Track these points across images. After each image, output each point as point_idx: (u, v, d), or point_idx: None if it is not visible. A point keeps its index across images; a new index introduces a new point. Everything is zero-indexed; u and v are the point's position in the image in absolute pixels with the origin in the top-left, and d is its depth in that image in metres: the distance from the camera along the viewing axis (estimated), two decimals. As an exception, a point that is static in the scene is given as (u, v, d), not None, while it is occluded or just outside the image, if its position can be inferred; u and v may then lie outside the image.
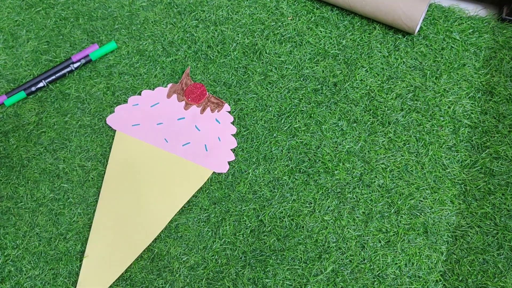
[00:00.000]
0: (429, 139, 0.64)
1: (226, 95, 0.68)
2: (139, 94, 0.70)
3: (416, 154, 0.63)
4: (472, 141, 0.63)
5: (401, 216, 0.61)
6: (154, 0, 0.75)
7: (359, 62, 0.68)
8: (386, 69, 0.67)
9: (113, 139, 0.67)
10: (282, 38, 0.71)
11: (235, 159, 0.65)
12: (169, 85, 0.69)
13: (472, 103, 0.65)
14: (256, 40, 0.71)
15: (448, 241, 0.59)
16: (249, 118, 0.67)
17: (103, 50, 0.70)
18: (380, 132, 0.64)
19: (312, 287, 0.59)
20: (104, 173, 0.66)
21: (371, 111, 0.66)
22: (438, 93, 0.65)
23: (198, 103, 0.68)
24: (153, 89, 0.70)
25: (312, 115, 0.66)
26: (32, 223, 0.65)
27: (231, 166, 0.65)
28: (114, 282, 0.61)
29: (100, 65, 0.72)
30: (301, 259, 0.60)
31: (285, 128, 0.66)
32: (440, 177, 0.62)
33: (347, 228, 0.61)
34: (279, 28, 0.71)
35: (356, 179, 0.63)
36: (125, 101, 0.69)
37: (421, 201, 0.61)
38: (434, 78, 0.66)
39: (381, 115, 0.65)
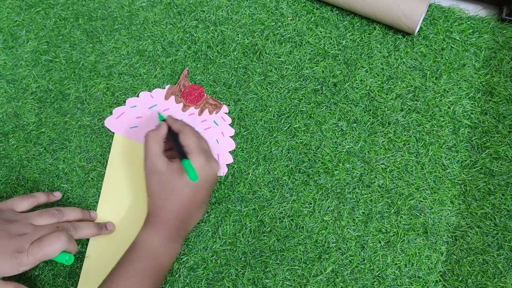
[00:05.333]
0: (429, 139, 0.63)
1: (226, 96, 0.68)
2: (137, 96, 0.69)
3: (416, 155, 0.63)
4: (472, 141, 0.63)
5: (401, 217, 0.61)
6: (154, 0, 0.75)
7: (359, 62, 0.68)
8: (386, 70, 0.67)
9: (112, 139, 0.67)
10: (282, 38, 0.71)
11: (235, 160, 0.65)
12: (167, 86, 0.69)
13: (472, 103, 0.65)
14: (256, 40, 0.71)
15: (448, 242, 0.59)
16: (249, 118, 0.67)
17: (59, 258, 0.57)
18: (380, 132, 0.64)
19: (312, 287, 0.59)
20: (104, 174, 0.66)
21: (371, 111, 0.66)
22: (438, 93, 0.65)
23: (196, 105, 0.68)
24: (152, 90, 0.70)
25: (312, 115, 0.66)
26: (32, 223, 0.64)
27: (231, 166, 0.65)
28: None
29: (99, 65, 0.72)
30: (301, 260, 0.60)
31: (285, 129, 0.66)
32: (440, 177, 0.62)
33: (347, 228, 0.61)
34: (279, 28, 0.71)
35: (356, 179, 0.63)
36: (124, 102, 0.69)
37: (421, 201, 0.61)
38: (434, 78, 0.66)
39: (381, 115, 0.65)
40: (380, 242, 0.60)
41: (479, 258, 0.58)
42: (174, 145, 0.59)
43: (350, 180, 0.63)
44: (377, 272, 0.59)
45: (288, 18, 0.72)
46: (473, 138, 0.63)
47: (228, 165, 0.65)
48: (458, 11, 0.69)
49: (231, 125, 0.67)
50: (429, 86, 0.66)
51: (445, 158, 0.63)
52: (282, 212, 0.62)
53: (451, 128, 0.64)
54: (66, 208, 0.61)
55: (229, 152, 0.65)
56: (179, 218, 0.57)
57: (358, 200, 0.62)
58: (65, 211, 0.60)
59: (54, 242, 0.54)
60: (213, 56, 0.71)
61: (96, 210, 0.65)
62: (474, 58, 0.66)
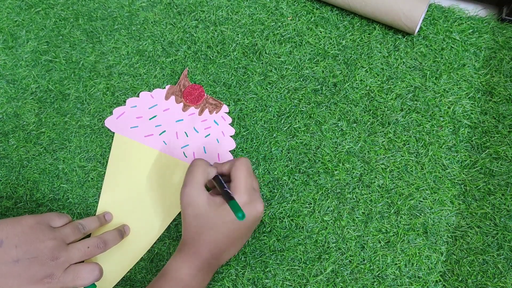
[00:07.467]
0: (429, 140, 0.63)
1: (226, 96, 0.68)
2: (137, 96, 0.69)
3: (416, 155, 0.63)
4: (472, 141, 0.63)
5: (401, 217, 0.61)
6: (154, 0, 0.75)
7: (359, 62, 0.68)
8: (386, 70, 0.67)
9: (112, 139, 0.67)
10: (282, 38, 0.71)
11: (235, 159, 0.65)
12: (167, 86, 0.69)
13: (472, 104, 0.65)
14: (256, 41, 0.71)
15: (448, 242, 0.59)
16: (249, 118, 0.67)
17: None
18: (380, 132, 0.64)
19: (312, 287, 0.59)
20: (104, 174, 0.66)
21: (371, 111, 0.66)
22: (438, 93, 0.65)
23: (196, 105, 0.68)
24: (152, 90, 0.70)
25: (312, 115, 0.66)
26: (32, 223, 0.64)
27: (231, 166, 0.65)
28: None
29: (99, 66, 0.72)
30: (301, 260, 0.60)
31: (285, 129, 0.66)
32: (440, 177, 0.62)
33: (347, 228, 0.61)
34: (279, 29, 0.71)
35: (356, 179, 0.63)
36: (124, 102, 0.69)
37: (421, 201, 0.61)
38: (434, 78, 0.66)
39: (381, 116, 0.65)
40: (380, 242, 0.60)
41: (479, 258, 0.58)
42: (218, 184, 0.56)
43: (350, 180, 0.63)
44: (377, 272, 0.59)
45: (288, 18, 0.72)
46: (473, 138, 0.63)
47: (228, 165, 0.65)
48: (458, 11, 0.69)
49: (231, 124, 0.67)
50: (429, 86, 0.66)
51: (445, 158, 0.63)
52: (282, 212, 0.62)
53: (451, 128, 0.64)
54: (86, 219, 0.61)
55: (230, 151, 0.65)
56: (212, 252, 0.55)
57: (358, 200, 0.62)
58: (86, 223, 0.60)
59: (88, 277, 0.54)
60: (213, 56, 0.71)
61: (96, 211, 0.65)
62: (474, 58, 0.66)
